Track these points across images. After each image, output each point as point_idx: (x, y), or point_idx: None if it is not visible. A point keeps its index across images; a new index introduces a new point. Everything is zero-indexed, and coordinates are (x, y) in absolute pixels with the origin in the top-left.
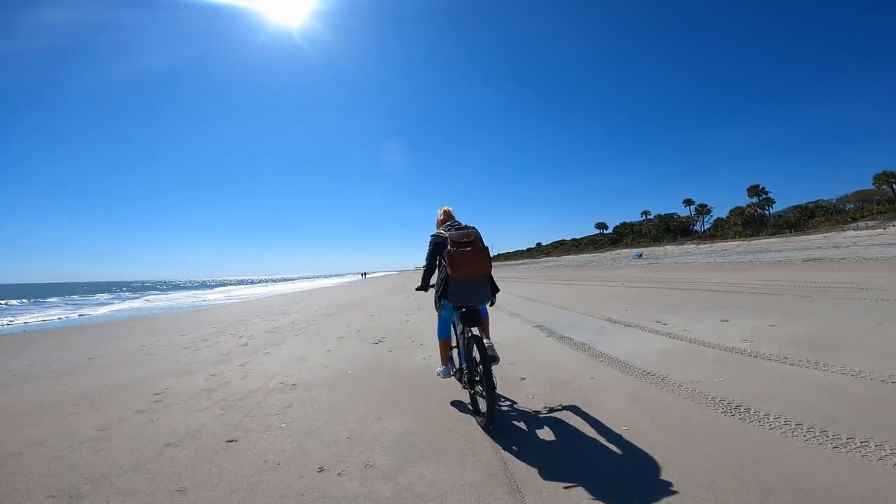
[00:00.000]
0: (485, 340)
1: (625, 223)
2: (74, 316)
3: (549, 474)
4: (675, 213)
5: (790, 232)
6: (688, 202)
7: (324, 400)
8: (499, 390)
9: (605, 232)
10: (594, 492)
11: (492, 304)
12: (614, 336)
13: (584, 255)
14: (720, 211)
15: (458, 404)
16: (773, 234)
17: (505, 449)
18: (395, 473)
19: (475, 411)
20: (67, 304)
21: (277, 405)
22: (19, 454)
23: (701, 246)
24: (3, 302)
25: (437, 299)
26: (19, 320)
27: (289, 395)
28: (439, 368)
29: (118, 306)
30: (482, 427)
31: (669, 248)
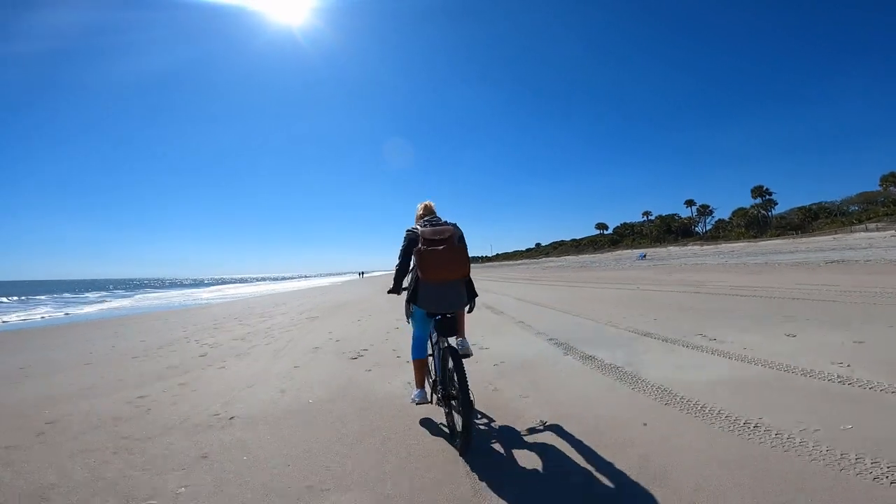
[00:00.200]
0: (456, 340)
1: (625, 224)
2: (60, 315)
3: None
4: (676, 214)
5: (796, 233)
6: (689, 203)
7: (258, 448)
8: (510, 442)
9: (606, 233)
10: None
11: (470, 311)
12: (655, 356)
13: (584, 255)
14: (721, 212)
15: (447, 456)
16: (777, 236)
17: None
18: None
19: (451, 434)
20: (57, 301)
21: (190, 453)
22: None
23: (705, 247)
24: None
25: (407, 304)
26: None
27: (215, 436)
28: (414, 393)
29: (106, 305)
30: (458, 450)
31: (672, 248)
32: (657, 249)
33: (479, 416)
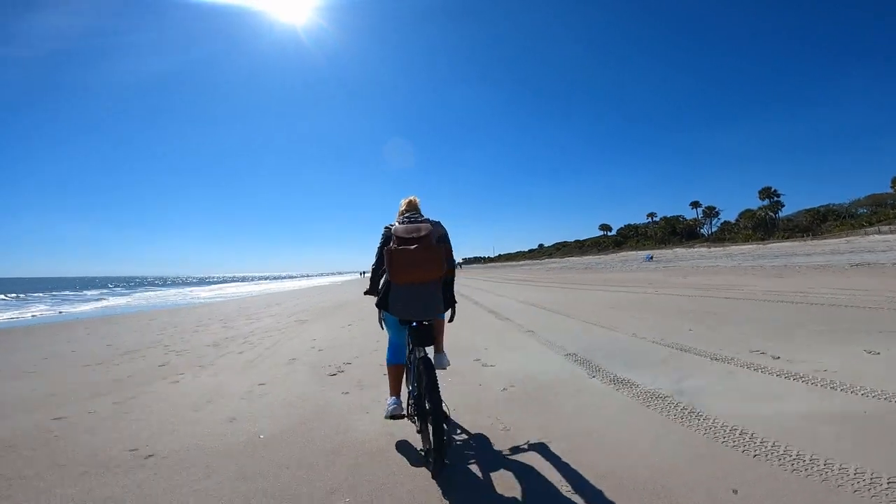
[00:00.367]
0: (431, 353)
1: (629, 225)
2: (54, 313)
3: None
4: (681, 216)
5: (807, 236)
6: (695, 204)
7: None
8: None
9: (609, 234)
10: None
11: (450, 320)
12: (709, 380)
13: (587, 256)
14: (726, 214)
15: None
16: (785, 238)
17: None
18: None
19: (426, 452)
20: (56, 299)
21: None
22: None
23: (713, 249)
24: None
25: (379, 310)
26: None
27: (112, 482)
28: (387, 402)
29: (103, 303)
30: (430, 471)
31: (679, 250)
32: (663, 251)
33: (459, 432)
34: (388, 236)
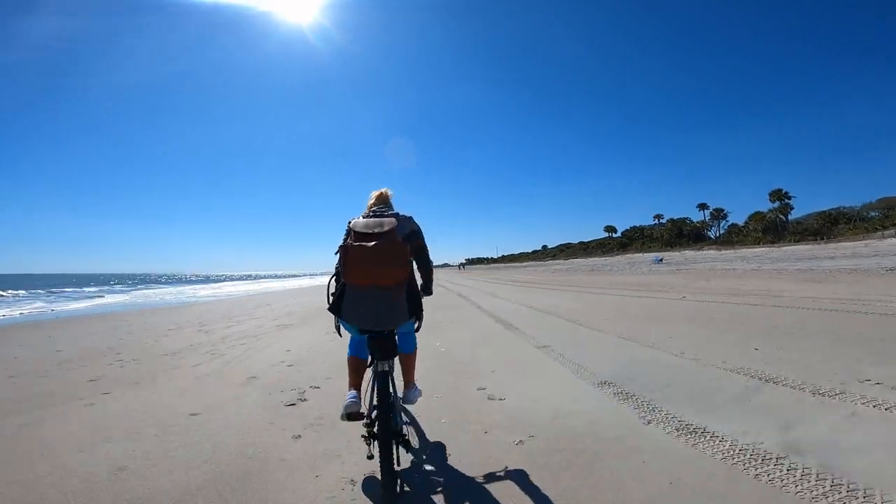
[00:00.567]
0: (400, 389)
1: (635, 227)
2: (47, 310)
3: None
4: (687, 218)
5: (820, 239)
6: (702, 206)
7: None
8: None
9: (614, 236)
10: None
11: (417, 329)
12: (829, 426)
13: (593, 258)
14: (732, 217)
15: None
16: (797, 241)
17: None
18: None
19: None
20: (55, 296)
21: None
22: None
23: (723, 251)
24: None
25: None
26: None
27: None
28: (348, 395)
29: (98, 301)
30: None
31: (687, 253)
32: (671, 253)
33: (425, 456)
34: (348, 232)
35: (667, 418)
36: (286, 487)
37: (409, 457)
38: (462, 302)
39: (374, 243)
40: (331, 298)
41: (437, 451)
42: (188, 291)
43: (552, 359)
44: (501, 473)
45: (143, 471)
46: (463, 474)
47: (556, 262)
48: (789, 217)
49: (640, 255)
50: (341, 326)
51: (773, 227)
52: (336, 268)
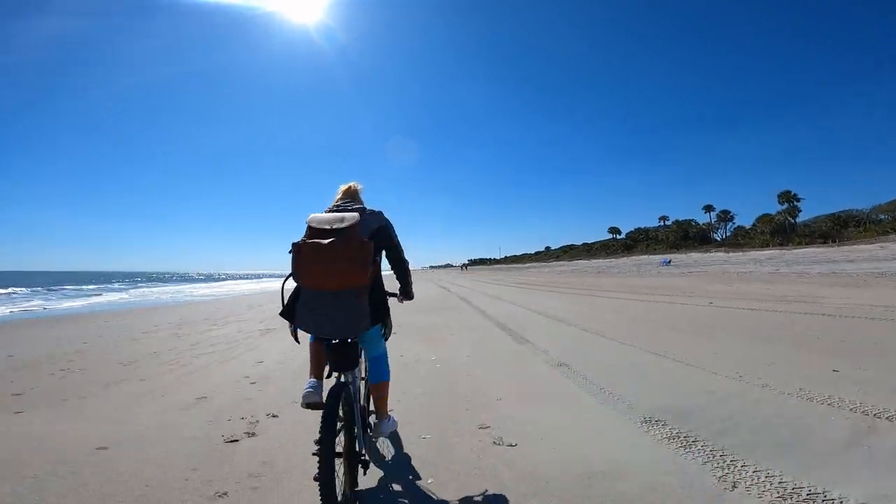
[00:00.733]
0: (373, 419)
1: (639, 229)
2: (39, 308)
3: None
4: (693, 220)
5: (832, 241)
6: (708, 208)
7: None
8: None
9: (619, 237)
10: None
11: (386, 337)
12: None
13: (597, 260)
14: (740, 219)
15: None
16: (806, 244)
17: None
18: None
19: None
20: (55, 294)
21: None
22: None
23: (732, 254)
24: None
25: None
26: None
27: None
28: (307, 382)
29: (94, 299)
30: None
31: (694, 255)
32: (678, 255)
33: (387, 476)
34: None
35: (760, 477)
36: None
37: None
38: (464, 305)
39: (330, 241)
40: (285, 301)
41: None
42: (187, 290)
43: (574, 382)
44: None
45: None
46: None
47: (560, 263)
48: (797, 219)
49: (647, 256)
50: (298, 332)
51: (782, 230)
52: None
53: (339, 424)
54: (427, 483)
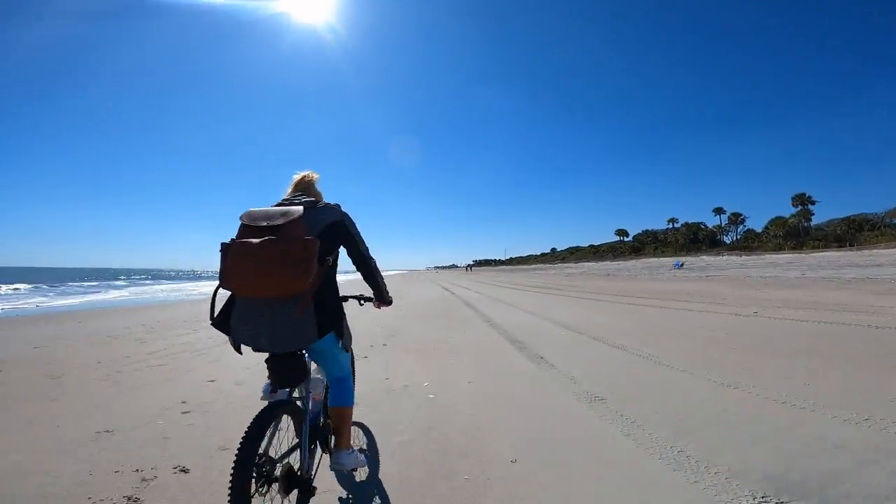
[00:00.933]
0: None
1: (647, 231)
2: (32, 306)
3: None
4: (702, 223)
5: (849, 246)
6: (718, 211)
7: None
8: None
9: (626, 240)
10: None
11: (345, 347)
12: None
13: (604, 262)
14: (750, 222)
15: None
16: (820, 248)
17: None
18: None
19: None
20: (54, 291)
21: None
22: None
23: (745, 257)
24: None
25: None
26: None
27: None
28: (264, 384)
29: (90, 297)
30: None
31: (707, 258)
32: (689, 258)
33: None
34: None
35: None
36: None
37: None
38: (468, 312)
39: (261, 240)
40: (216, 309)
41: None
42: (189, 288)
43: (621, 430)
44: None
45: None
46: None
47: (567, 265)
48: (811, 222)
49: (656, 259)
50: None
51: (795, 233)
52: None
53: (277, 444)
54: None
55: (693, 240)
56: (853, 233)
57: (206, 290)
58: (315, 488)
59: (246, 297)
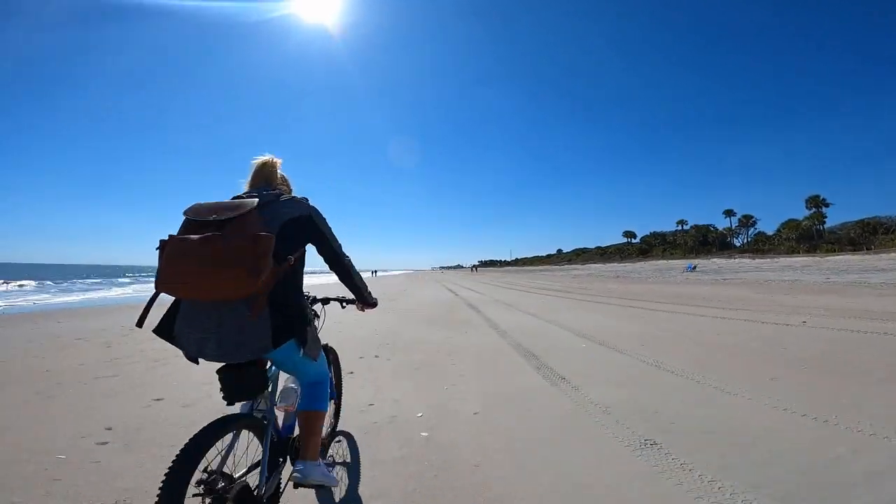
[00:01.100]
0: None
1: (655, 233)
2: (31, 303)
3: None
4: (711, 225)
5: (866, 249)
6: (728, 213)
7: None
8: None
9: (633, 241)
10: None
11: (310, 356)
12: None
13: (611, 264)
14: (761, 224)
15: None
16: (835, 251)
17: None
18: None
19: None
20: (56, 288)
21: None
22: None
23: (759, 260)
24: None
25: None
26: None
27: None
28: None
29: (89, 294)
30: None
31: (718, 261)
32: (701, 261)
33: None
34: None
35: None
36: None
37: None
38: (473, 316)
39: (201, 236)
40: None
41: None
42: None
43: (693, 494)
44: None
45: None
46: None
47: (573, 266)
48: (825, 225)
49: (665, 261)
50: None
51: (808, 236)
52: None
53: (233, 462)
54: None
55: (702, 242)
56: (867, 236)
57: None
58: None
59: (183, 298)
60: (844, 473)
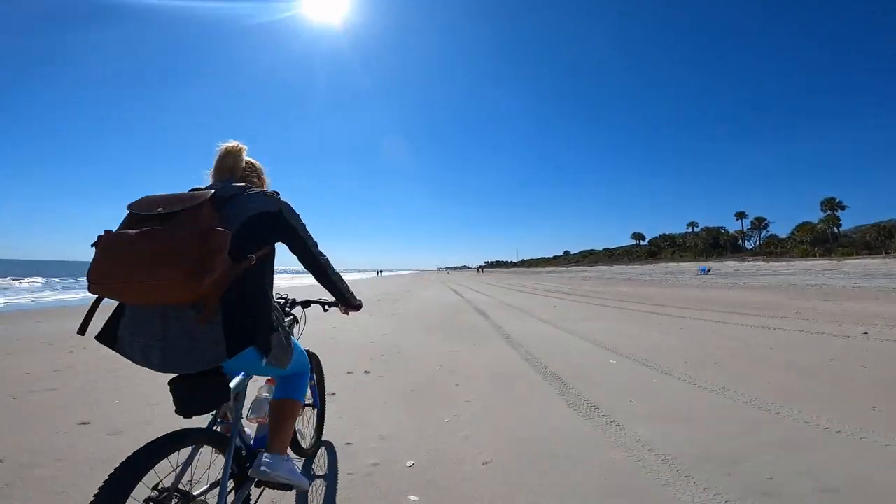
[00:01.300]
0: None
1: (664, 235)
2: (29, 300)
3: None
4: (722, 227)
5: (885, 253)
6: (740, 215)
7: None
8: None
9: (642, 243)
10: None
11: (276, 365)
12: None
13: (620, 266)
14: (774, 227)
15: None
16: (851, 255)
17: None
18: None
19: None
20: (59, 286)
21: None
22: None
23: (775, 264)
24: None
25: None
26: None
27: None
28: None
29: (83, 293)
30: None
31: (732, 263)
32: (714, 264)
33: None
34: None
35: None
36: None
37: None
38: (479, 322)
39: (140, 231)
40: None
41: None
42: None
43: None
44: None
45: None
46: None
47: (581, 268)
48: (840, 228)
49: (675, 264)
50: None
51: (823, 239)
52: None
53: (190, 479)
54: None
55: (714, 244)
56: (883, 239)
57: None
58: None
59: (127, 303)
60: None
